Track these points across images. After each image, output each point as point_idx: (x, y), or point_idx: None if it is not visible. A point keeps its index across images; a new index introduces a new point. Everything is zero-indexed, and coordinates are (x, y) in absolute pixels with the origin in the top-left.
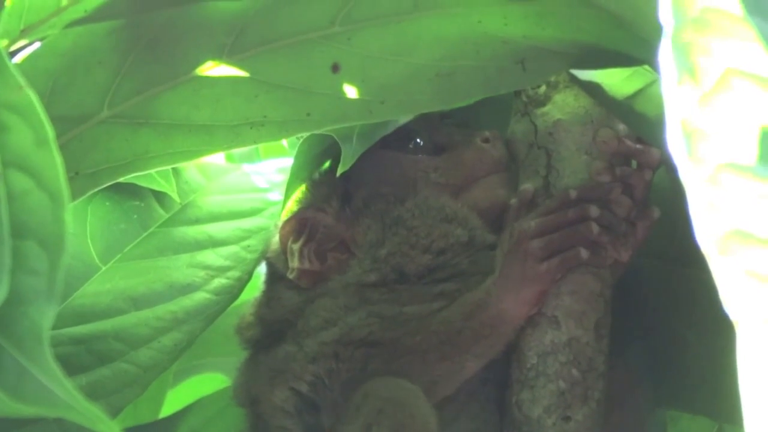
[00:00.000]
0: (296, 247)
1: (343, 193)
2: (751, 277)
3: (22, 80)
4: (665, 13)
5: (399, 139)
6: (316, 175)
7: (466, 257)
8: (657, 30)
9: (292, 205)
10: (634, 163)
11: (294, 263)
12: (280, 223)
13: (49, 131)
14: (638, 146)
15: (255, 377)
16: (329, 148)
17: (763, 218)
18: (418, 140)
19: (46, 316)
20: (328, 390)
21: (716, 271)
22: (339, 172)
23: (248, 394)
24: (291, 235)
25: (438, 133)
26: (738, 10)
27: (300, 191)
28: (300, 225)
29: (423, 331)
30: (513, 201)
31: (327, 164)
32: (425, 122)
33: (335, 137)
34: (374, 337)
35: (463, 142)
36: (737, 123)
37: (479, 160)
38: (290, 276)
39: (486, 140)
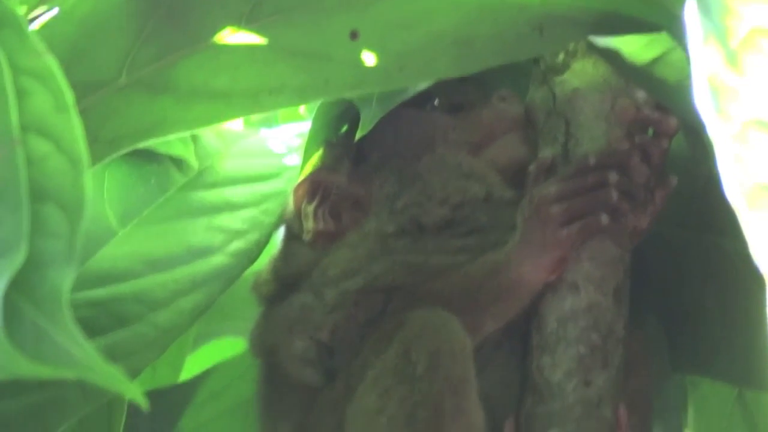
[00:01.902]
0: (310, 209)
1: (357, 153)
2: None
3: (41, 46)
4: None
5: (417, 99)
6: (332, 139)
7: (485, 213)
8: None
9: (308, 169)
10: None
11: (309, 225)
12: (295, 185)
13: (69, 97)
14: (656, 114)
15: (271, 328)
16: (347, 111)
17: None
18: (436, 100)
19: (65, 278)
20: (346, 335)
21: (745, 225)
22: (358, 135)
23: (265, 344)
24: (305, 197)
25: (455, 92)
26: None
27: (316, 155)
28: (313, 187)
29: (446, 281)
30: (532, 167)
31: (344, 128)
32: (443, 83)
33: (354, 102)
34: (397, 284)
35: (480, 101)
36: (764, 81)
37: (496, 119)
38: (306, 238)
39: (503, 99)
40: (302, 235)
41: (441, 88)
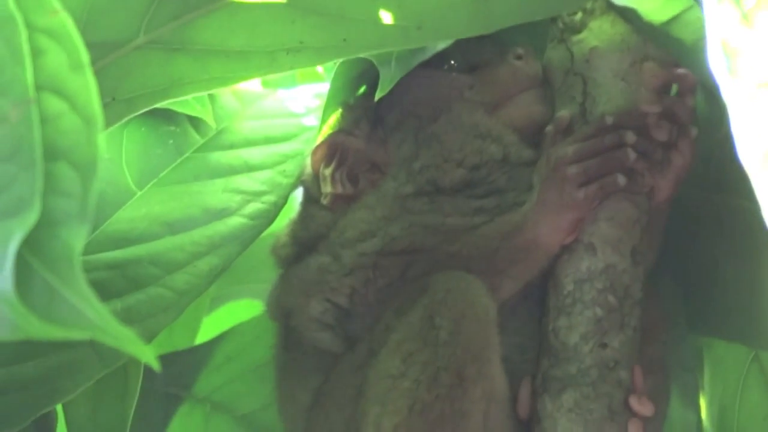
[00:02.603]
0: (328, 172)
1: (375, 116)
2: None
3: (57, 4)
4: None
5: (434, 60)
6: (350, 100)
7: (503, 173)
8: None
9: (326, 131)
10: (674, 89)
11: (327, 188)
12: (313, 148)
13: (84, 55)
14: (680, 72)
15: (288, 290)
16: (366, 72)
17: None
18: (452, 60)
19: (78, 237)
20: (364, 298)
21: (757, 185)
22: (377, 96)
23: (281, 307)
24: (323, 160)
25: (472, 51)
26: None
27: (334, 116)
28: (331, 150)
29: (463, 242)
30: (549, 128)
31: (363, 89)
32: (460, 42)
33: (373, 61)
34: (415, 246)
35: (497, 59)
36: None
37: (513, 77)
38: (324, 201)
39: (519, 57)
40: (320, 198)
41: (457, 47)
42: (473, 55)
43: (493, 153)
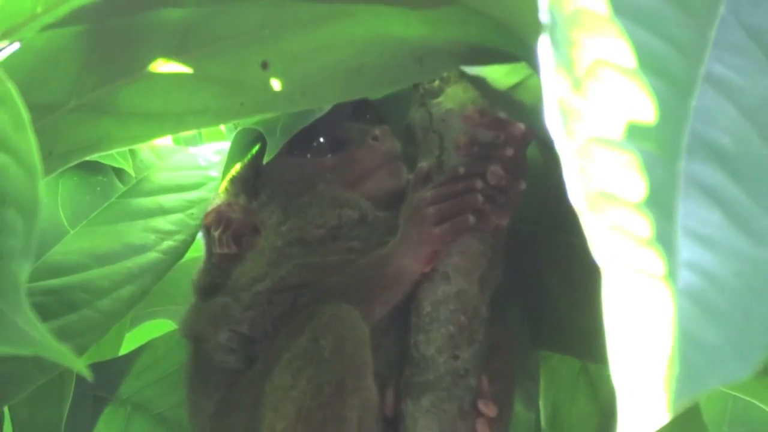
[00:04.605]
0: (216, 234)
1: (253, 190)
2: (615, 231)
3: (3, 74)
4: (543, 13)
5: (304, 140)
6: (237, 170)
7: (361, 230)
8: (533, 31)
9: (218, 195)
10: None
11: (215, 249)
12: (205, 213)
13: (26, 117)
14: (498, 121)
15: (199, 320)
16: (257, 139)
17: (625, 183)
18: (321, 139)
19: (23, 270)
20: (261, 326)
21: (586, 225)
22: (265, 160)
23: (193, 331)
24: (212, 224)
25: (338, 130)
26: (605, 10)
27: (228, 178)
28: (218, 217)
29: (341, 276)
30: (411, 176)
31: (255, 149)
32: (329, 122)
33: (262, 131)
34: (301, 282)
35: (357, 139)
36: (604, 104)
37: (370, 157)
38: (214, 260)
39: (375, 138)
40: (213, 254)
41: (326, 127)
42: (340, 133)
43: (350, 215)
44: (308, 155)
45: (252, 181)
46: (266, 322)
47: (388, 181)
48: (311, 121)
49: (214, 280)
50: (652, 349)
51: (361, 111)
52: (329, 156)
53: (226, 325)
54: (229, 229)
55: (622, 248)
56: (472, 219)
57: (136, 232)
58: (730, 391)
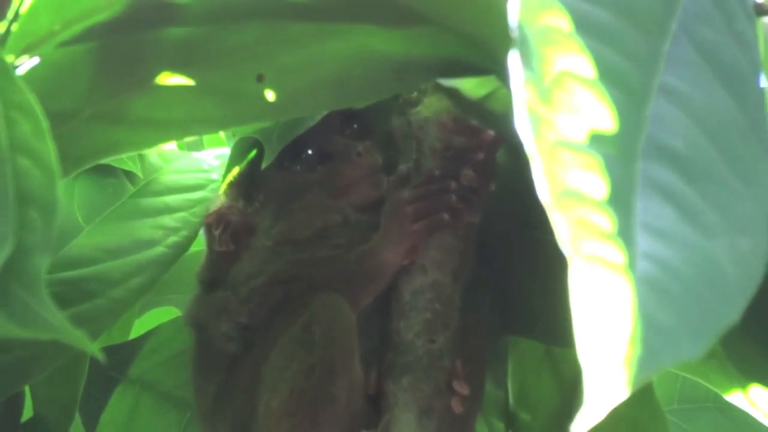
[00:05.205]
0: (217, 234)
1: (248, 195)
2: (579, 226)
3: (24, 86)
4: (513, 30)
5: (294, 152)
6: (235, 176)
7: (345, 231)
8: (502, 47)
9: (218, 197)
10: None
11: (215, 246)
12: (206, 213)
13: (45, 125)
14: (470, 128)
15: (202, 310)
16: (254, 145)
17: (589, 183)
18: (309, 151)
19: (42, 263)
20: (259, 316)
21: (554, 221)
22: (263, 165)
23: (196, 320)
24: (213, 224)
25: (326, 144)
26: (568, 28)
27: (228, 183)
28: (218, 218)
29: (329, 269)
30: (392, 178)
31: (252, 154)
32: (317, 135)
33: (260, 139)
34: (293, 275)
35: (343, 154)
36: (569, 112)
37: (353, 170)
38: (214, 258)
39: (359, 154)
40: (213, 251)
41: (315, 140)
42: (328, 146)
43: (334, 219)
44: (298, 167)
45: (248, 188)
46: (263, 312)
47: (370, 192)
48: (303, 131)
49: (214, 275)
50: (613, 332)
51: (347, 122)
52: (317, 169)
53: (227, 316)
54: (228, 230)
55: (587, 241)
56: (446, 217)
57: (144, 228)
58: (680, 372)
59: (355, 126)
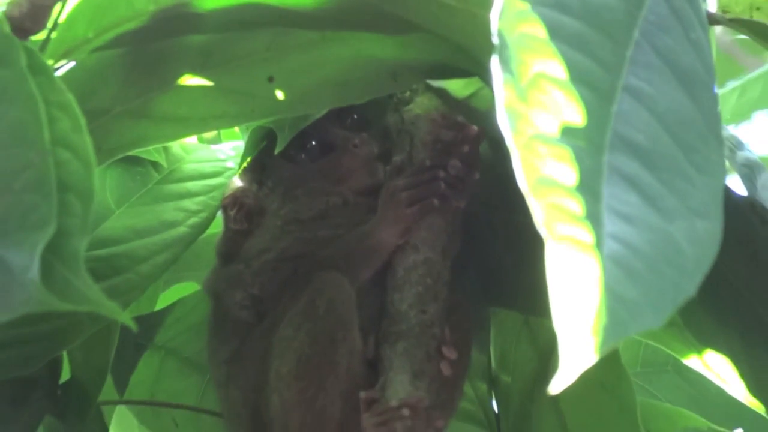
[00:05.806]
0: (232, 213)
1: (260, 180)
2: (553, 209)
3: (63, 86)
4: (495, 37)
5: (300, 143)
6: (249, 163)
7: (346, 211)
8: (485, 52)
9: (234, 182)
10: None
11: (231, 225)
12: (224, 196)
13: (82, 121)
14: (456, 123)
15: (219, 281)
16: (267, 135)
17: (561, 172)
18: (313, 142)
19: (81, 243)
20: (269, 289)
21: (531, 205)
22: (276, 151)
23: (213, 290)
24: (229, 205)
25: (327, 136)
26: (543, 35)
27: (242, 169)
28: (234, 200)
29: (331, 248)
30: (387, 168)
31: (263, 145)
32: (320, 127)
33: (273, 128)
34: (300, 253)
35: (342, 145)
36: (544, 109)
37: (351, 161)
38: (229, 235)
39: (355, 145)
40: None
41: (317, 132)
42: (329, 138)
43: (335, 201)
44: (302, 156)
45: (259, 174)
46: (273, 285)
47: (367, 179)
48: (310, 123)
49: (230, 250)
50: (584, 304)
51: (346, 116)
52: (319, 159)
53: (241, 287)
54: (242, 210)
55: (560, 224)
56: (436, 202)
57: (168, 211)
58: (643, 339)
59: (355, 116)
